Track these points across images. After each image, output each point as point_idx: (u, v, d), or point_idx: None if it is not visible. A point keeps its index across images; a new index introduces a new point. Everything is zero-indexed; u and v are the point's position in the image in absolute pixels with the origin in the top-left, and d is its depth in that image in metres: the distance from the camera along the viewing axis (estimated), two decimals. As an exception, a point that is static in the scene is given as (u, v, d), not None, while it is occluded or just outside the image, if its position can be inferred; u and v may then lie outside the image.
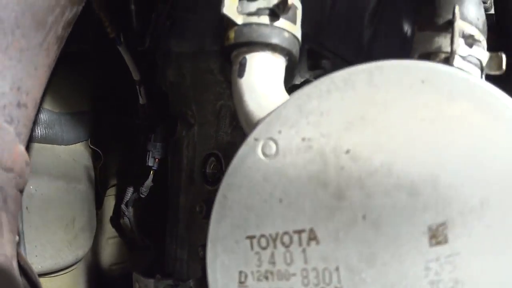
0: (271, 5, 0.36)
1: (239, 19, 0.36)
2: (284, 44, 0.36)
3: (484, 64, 0.36)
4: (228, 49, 0.37)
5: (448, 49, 0.34)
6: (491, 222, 0.24)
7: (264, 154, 0.29)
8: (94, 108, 0.77)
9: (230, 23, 0.36)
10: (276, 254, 0.28)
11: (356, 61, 0.67)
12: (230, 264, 0.30)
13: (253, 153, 0.30)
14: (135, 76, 0.75)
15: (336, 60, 0.67)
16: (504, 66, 0.36)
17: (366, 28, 0.68)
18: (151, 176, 0.80)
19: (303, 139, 0.28)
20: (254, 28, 0.35)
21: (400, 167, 0.25)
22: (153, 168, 0.80)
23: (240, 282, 0.30)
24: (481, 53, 0.36)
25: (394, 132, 0.25)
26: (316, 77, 0.65)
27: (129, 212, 0.85)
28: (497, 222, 0.24)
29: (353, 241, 0.25)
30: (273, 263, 0.28)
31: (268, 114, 0.30)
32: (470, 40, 0.35)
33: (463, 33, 0.35)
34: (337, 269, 0.26)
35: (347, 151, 0.26)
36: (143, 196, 0.83)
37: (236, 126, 0.63)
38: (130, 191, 0.84)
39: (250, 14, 0.36)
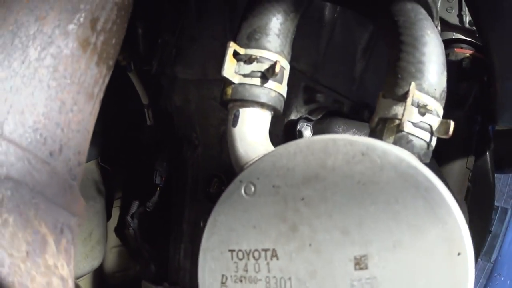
0: (262, 69, 0.49)
1: (235, 79, 0.49)
2: (271, 102, 0.49)
3: (434, 129, 0.48)
4: (225, 102, 0.50)
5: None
6: (401, 257, 0.36)
7: (245, 192, 0.42)
8: (104, 129, 0.90)
9: (228, 81, 0.49)
10: (248, 264, 0.41)
11: (349, 93, 0.79)
12: (216, 269, 0.43)
13: (237, 191, 0.43)
14: (144, 100, 0.88)
15: (330, 94, 0.79)
16: (450, 132, 0.46)
17: (358, 62, 0.78)
18: (157, 193, 0.93)
19: (273, 186, 0.41)
20: (247, 88, 0.48)
21: (337, 215, 0.37)
22: (160, 185, 0.93)
23: (222, 283, 0.43)
24: (432, 119, 0.46)
25: (337, 190, 0.38)
26: (311, 111, 0.76)
27: (134, 223, 0.99)
28: (406, 259, 0.36)
29: (302, 260, 0.38)
30: (246, 270, 0.41)
31: (251, 163, 0.43)
32: (423, 110, 0.46)
33: (417, 103, 0.46)
34: (290, 278, 0.39)
35: (302, 199, 0.39)
36: (149, 210, 0.96)
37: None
38: (135, 204, 0.97)
39: (245, 75, 0.49)
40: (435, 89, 0.47)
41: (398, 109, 0.46)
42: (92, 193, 0.85)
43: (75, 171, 0.38)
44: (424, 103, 0.46)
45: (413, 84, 0.45)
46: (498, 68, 0.79)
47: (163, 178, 0.88)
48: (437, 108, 0.47)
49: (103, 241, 0.89)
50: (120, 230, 1.04)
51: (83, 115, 0.39)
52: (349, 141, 0.38)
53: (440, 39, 0.51)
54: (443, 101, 0.49)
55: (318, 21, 0.72)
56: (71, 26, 0.35)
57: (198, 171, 0.84)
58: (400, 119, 0.44)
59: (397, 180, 0.36)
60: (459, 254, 0.35)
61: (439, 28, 0.98)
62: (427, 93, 0.46)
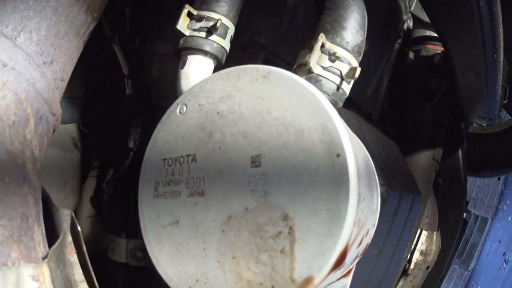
0: (209, 26, 0.65)
1: (187, 32, 0.65)
2: (213, 51, 0.65)
3: (344, 73, 0.62)
4: (178, 51, 0.66)
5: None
6: (287, 156, 0.50)
7: (179, 112, 0.58)
8: (85, 95, 1.08)
9: (181, 34, 0.65)
10: (175, 169, 0.56)
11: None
12: (151, 176, 0.58)
13: (174, 111, 0.58)
14: (125, 70, 1.06)
15: (288, 68, 0.94)
16: (357, 75, 0.60)
17: None
18: (130, 157, 1.08)
19: (199, 105, 0.56)
20: (195, 39, 0.64)
21: (242, 122, 0.52)
22: (133, 150, 1.08)
23: (155, 188, 0.58)
24: (342, 66, 0.60)
25: (243, 103, 0.52)
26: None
27: (109, 190, 1.13)
28: (291, 157, 0.50)
29: (213, 161, 0.52)
30: (172, 174, 0.56)
31: (186, 91, 0.59)
32: (333, 57, 0.61)
33: (328, 51, 0.61)
34: (203, 178, 0.53)
35: (218, 112, 0.54)
36: (121, 175, 1.11)
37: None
38: (111, 172, 1.13)
39: (195, 30, 0.65)
40: (347, 42, 0.62)
41: (309, 56, 0.61)
42: (69, 146, 1.01)
43: (59, 83, 0.56)
44: (334, 51, 0.60)
45: (322, 34, 0.60)
46: (456, 58, 0.93)
47: (137, 143, 1.04)
48: (349, 57, 0.62)
49: (77, 192, 1.03)
50: (95, 199, 1.18)
51: (70, 44, 0.59)
52: (255, 67, 0.53)
53: (362, 7, 0.66)
54: (358, 55, 0.64)
55: (281, 2, 0.88)
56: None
57: (169, 138, 0.99)
58: (308, 62, 0.59)
59: (287, 95, 0.50)
60: (338, 155, 0.46)
61: (411, 24, 1.14)
62: (339, 45, 0.61)
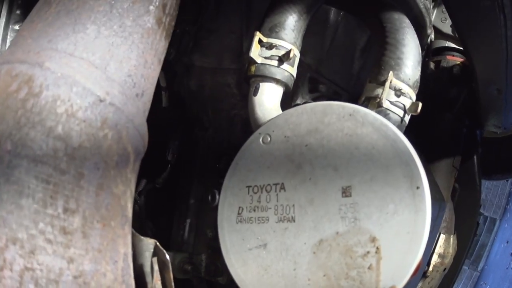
0: (280, 54, 0.71)
1: (259, 60, 0.71)
2: (284, 79, 0.71)
3: (407, 107, 0.71)
4: (249, 77, 0.72)
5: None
6: (375, 188, 0.58)
7: (263, 141, 0.64)
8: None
9: (252, 61, 0.71)
10: (261, 196, 0.62)
11: (347, 86, 1.03)
12: (234, 203, 0.64)
13: (256, 141, 0.65)
14: (162, 82, 1.09)
15: (331, 86, 1.02)
16: (419, 110, 0.70)
17: (356, 60, 1.03)
18: (168, 169, 1.13)
19: (285, 136, 0.62)
20: (267, 67, 0.70)
21: (331, 156, 0.59)
22: (171, 162, 1.12)
23: (238, 214, 0.64)
24: (406, 100, 0.69)
25: (331, 139, 0.59)
26: (314, 99, 0.99)
27: (141, 201, 1.18)
28: (379, 189, 0.58)
29: (303, 191, 0.60)
30: (259, 201, 0.63)
31: (268, 120, 0.65)
32: (398, 93, 0.69)
33: (394, 87, 0.69)
34: (293, 205, 0.60)
35: (306, 145, 0.61)
36: (158, 186, 1.15)
37: (246, 131, 0.96)
38: (143, 182, 1.17)
39: (266, 58, 0.71)
40: (409, 79, 0.70)
41: (379, 91, 0.69)
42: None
43: (147, 114, 0.58)
44: (400, 88, 0.68)
45: (391, 72, 0.67)
46: (479, 73, 1.02)
47: (175, 155, 1.09)
48: (410, 92, 0.70)
49: None
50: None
51: (155, 73, 0.59)
52: (341, 105, 0.60)
53: (417, 43, 0.74)
54: (416, 89, 0.72)
55: (324, 22, 0.95)
56: (151, 7, 0.57)
57: (207, 151, 1.05)
58: (380, 97, 0.67)
59: (373, 133, 0.58)
60: (417, 188, 0.56)
61: (433, 36, 1.23)
62: (402, 81, 0.69)
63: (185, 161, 1.09)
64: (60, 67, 0.51)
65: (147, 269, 0.61)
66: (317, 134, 0.60)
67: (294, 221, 0.60)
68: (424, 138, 1.23)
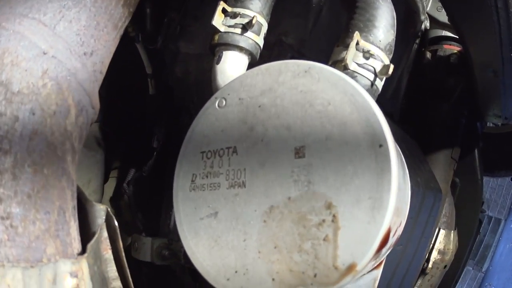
0: (243, 22, 0.66)
1: (222, 28, 0.66)
2: (248, 47, 0.66)
3: (377, 70, 0.63)
4: (213, 46, 0.67)
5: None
6: (331, 147, 0.51)
7: (218, 106, 0.59)
8: (108, 94, 1.08)
9: (216, 30, 0.66)
10: (214, 162, 0.56)
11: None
12: (188, 170, 0.59)
13: (212, 106, 0.59)
14: (148, 70, 1.07)
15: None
16: (390, 72, 0.62)
17: None
18: (154, 156, 1.09)
19: (239, 98, 0.57)
20: (230, 35, 0.65)
21: (285, 115, 0.53)
22: (157, 149, 1.09)
23: (192, 181, 0.58)
24: (376, 63, 0.62)
25: (285, 97, 0.53)
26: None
27: (129, 190, 1.14)
28: (335, 148, 0.51)
29: (255, 153, 0.53)
30: (211, 167, 0.57)
31: (224, 85, 0.60)
32: (367, 54, 0.62)
33: (363, 49, 0.63)
34: (244, 169, 0.54)
35: (259, 106, 0.55)
36: (144, 174, 1.12)
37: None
38: (132, 171, 1.14)
39: (229, 26, 0.66)
40: (380, 41, 0.64)
41: (345, 54, 0.62)
42: (93, 145, 1.02)
43: (98, 75, 0.57)
44: (368, 49, 0.62)
45: (357, 32, 0.61)
46: (474, 56, 0.94)
47: (160, 142, 1.05)
48: (381, 55, 0.63)
49: (99, 192, 1.04)
50: (115, 200, 1.19)
51: (109, 37, 0.59)
52: (297, 63, 0.54)
53: (391, 8, 0.68)
54: (389, 53, 0.65)
55: (307, 4, 0.89)
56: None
57: (192, 137, 1.00)
58: (345, 59, 0.60)
59: (329, 88, 0.52)
60: (380, 146, 0.48)
61: (428, 24, 1.15)
62: (372, 43, 0.63)
63: (171, 149, 1.05)
64: (13, 25, 0.53)
65: (99, 237, 0.56)
66: (270, 93, 0.55)
67: (244, 186, 0.54)
68: (421, 128, 1.15)
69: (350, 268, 0.48)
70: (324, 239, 0.49)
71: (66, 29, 0.54)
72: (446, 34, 1.16)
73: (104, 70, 0.60)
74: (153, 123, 1.07)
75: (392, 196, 0.47)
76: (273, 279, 0.52)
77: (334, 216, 0.49)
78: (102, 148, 1.05)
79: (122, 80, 1.09)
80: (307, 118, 0.52)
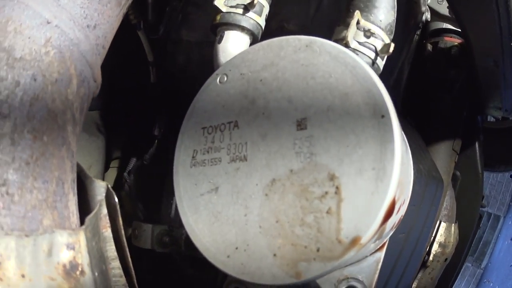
0: (245, 2, 0.66)
1: (224, 9, 0.66)
2: (250, 27, 0.66)
3: (378, 49, 0.63)
4: (215, 26, 0.67)
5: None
6: (333, 118, 0.50)
7: (219, 82, 0.58)
8: (110, 82, 1.08)
9: (218, 10, 0.66)
10: (215, 137, 0.56)
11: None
12: (189, 145, 0.58)
13: (214, 81, 0.59)
14: (150, 57, 1.07)
15: None
16: (391, 50, 0.62)
17: None
18: (155, 144, 1.09)
19: (241, 74, 0.56)
20: (232, 15, 0.65)
21: (286, 88, 0.52)
22: (158, 137, 1.09)
23: (193, 157, 0.58)
24: (376, 42, 0.63)
25: (286, 71, 0.53)
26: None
27: (130, 179, 1.14)
28: (337, 119, 0.50)
29: (256, 126, 0.53)
30: (212, 142, 0.56)
31: (226, 62, 0.59)
32: (368, 33, 0.63)
33: (363, 28, 0.63)
34: (246, 143, 0.53)
35: (261, 80, 0.54)
36: (146, 162, 1.11)
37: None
38: (133, 161, 1.13)
39: (231, 6, 0.66)
40: (380, 21, 0.64)
41: (346, 32, 0.62)
42: (94, 131, 1.02)
43: (100, 49, 0.57)
44: (369, 28, 0.61)
45: (357, 11, 0.61)
46: (474, 46, 0.94)
47: (162, 130, 1.04)
48: (382, 35, 0.63)
49: (100, 178, 1.03)
50: (116, 190, 1.18)
51: (112, 13, 0.59)
52: (297, 37, 0.54)
53: None
54: (390, 33, 0.65)
55: (309, -9, 0.90)
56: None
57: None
58: (346, 37, 0.60)
59: (330, 61, 0.51)
60: (382, 116, 0.47)
61: (428, 15, 1.15)
62: (373, 22, 0.63)
63: (173, 138, 1.04)
64: (18, -4, 0.54)
65: (98, 213, 0.55)
66: (272, 68, 0.54)
67: (246, 159, 0.53)
68: (423, 120, 1.14)
69: (354, 241, 0.47)
70: (327, 212, 0.48)
71: (70, 1, 0.54)
72: (447, 27, 1.16)
73: (107, 46, 0.60)
74: (155, 111, 1.07)
75: (396, 166, 0.46)
76: (274, 255, 0.51)
77: (337, 187, 0.48)
78: (103, 134, 1.05)
79: (123, 68, 1.09)
80: (308, 90, 0.51)
